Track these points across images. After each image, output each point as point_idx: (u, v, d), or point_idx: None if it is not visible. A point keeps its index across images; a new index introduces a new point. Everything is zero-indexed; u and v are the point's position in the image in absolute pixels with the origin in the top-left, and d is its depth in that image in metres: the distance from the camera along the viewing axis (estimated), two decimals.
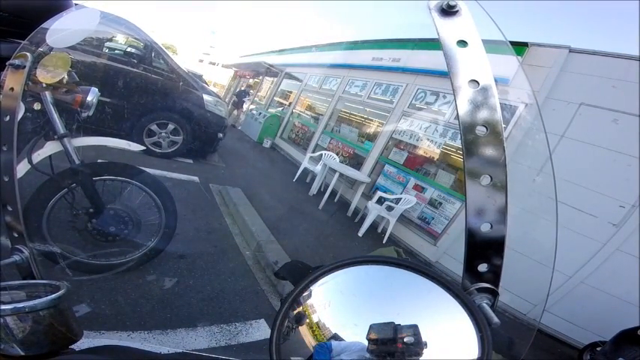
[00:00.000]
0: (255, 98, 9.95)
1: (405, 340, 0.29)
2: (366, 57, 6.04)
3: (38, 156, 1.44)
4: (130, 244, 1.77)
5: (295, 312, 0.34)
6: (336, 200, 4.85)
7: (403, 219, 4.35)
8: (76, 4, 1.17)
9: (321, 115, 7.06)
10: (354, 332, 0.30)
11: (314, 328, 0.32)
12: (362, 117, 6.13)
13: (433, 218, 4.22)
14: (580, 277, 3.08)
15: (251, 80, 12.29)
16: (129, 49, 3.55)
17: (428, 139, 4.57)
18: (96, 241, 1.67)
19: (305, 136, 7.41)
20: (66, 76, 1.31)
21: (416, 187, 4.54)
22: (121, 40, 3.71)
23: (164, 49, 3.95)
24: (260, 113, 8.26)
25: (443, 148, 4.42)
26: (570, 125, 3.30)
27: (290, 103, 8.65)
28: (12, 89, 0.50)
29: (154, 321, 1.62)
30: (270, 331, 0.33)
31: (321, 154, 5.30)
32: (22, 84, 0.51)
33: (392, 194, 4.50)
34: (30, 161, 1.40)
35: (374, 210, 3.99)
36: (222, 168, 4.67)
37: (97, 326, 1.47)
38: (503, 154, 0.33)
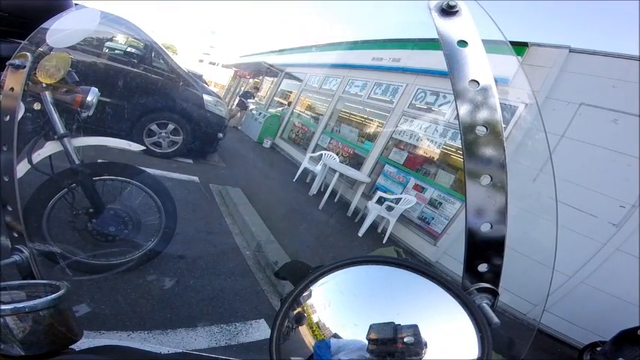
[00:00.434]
0: (255, 98, 9.94)
1: (405, 340, 0.29)
2: (366, 57, 6.04)
3: (38, 156, 1.44)
4: (130, 244, 1.77)
5: (295, 312, 0.34)
6: (336, 200, 4.85)
7: (403, 219, 4.35)
8: (76, 4, 1.17)
9: (321, 115, 7.06)
10: (354, 332, 0.30)
11: (314, 328, 0.32)
12: (362, 117, 6.13)
13: (433, 218, 4.22)
14: (580, 277, 3.08)
15: (251, 80, 12.29)
16: (129, 49, 3.55)
17: (428, 139, 4.58)
18: (96, 241, 1.67)
19: (305, 136, 7.42)
20: (66, 76, 1.31)
21: (416, 187, 4.54)
22: (121, 40, 3.70)
23: (164, 49, 3.95)
24: (260, 113, 8.26)
25: (443, 148, 4.42)
26: (570, 125, 3.30)
27: (290, 103, 8.66)
28: (12, 89, 0.50)
29: (154, 321, 1.62)
30: (270, 331, 0.33)
31: (321, 154, 5.30)
32: (22, 84, 0.51)
33: (392, 194, 4.50)
34: (30, 161, 1.40)
35: (374, 210, 3.99)
36: (222, 168, 4.67)
37: (97, 326, 1.47)
38: (503, 154, 0.33)
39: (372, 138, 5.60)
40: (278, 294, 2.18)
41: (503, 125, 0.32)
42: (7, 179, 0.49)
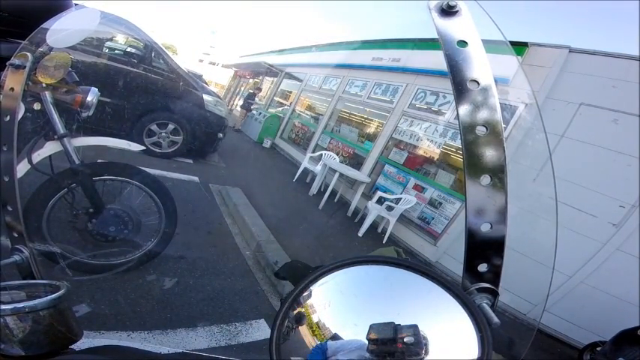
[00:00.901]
0: (256, 98, 9.94)
1: (405, 340, 0.29)
2: (366, 57, 6.05)
3: (38, 156, 1.44)
4: (130, 244, 1.77)
5: (295, 312, 0.34)
6: (336, 200, 4.85)
7: (403, 219, 4.35)
8: (76, 4, 1.17)
9: (321, 115, 7.06)
10: (354, 332, 0.30)
11: (314, 328, 0.32)
12: (362, 117, 6.13)
13: (433, 218, 4.22)
14: (580, 277, 3.08)
15: (251, 80, 12.28)
16: (129, 49, 3.55)
17: (428, 139, 4.58)
18: (96, 241, 1.67)
19: (305, 136, 7.42)
20: (66, 76, 1.31)
21: (416, 187, 4.54)
22: (121, 40, 3.71)
23: (164, 49, 3.95)
24: (260, 113, 8.26)
25: (443, 148, 4.42)
26: (570, 125, 3.30)
27: (290, 103, 8.66)
28: (12, 89, 0.50)
29: (154, 321, 1.62)
30: (270, 331, 0.33)
31: (321, 154, 5.30)
32: (22, 84, 0.51)
33: (392, 194, 4.50)
34: (30, 161, 1.40)
35: (374, 210, 3.99)
36: (222, 168, 4.67)
37: (97, 326, 1.47)
38: (504, 154, 0.33)
39: (372, 138, 5.60)
40: (278, 294, 2.18)
41: (503, 125, 0.32)
42: (7, 179, 0.49)
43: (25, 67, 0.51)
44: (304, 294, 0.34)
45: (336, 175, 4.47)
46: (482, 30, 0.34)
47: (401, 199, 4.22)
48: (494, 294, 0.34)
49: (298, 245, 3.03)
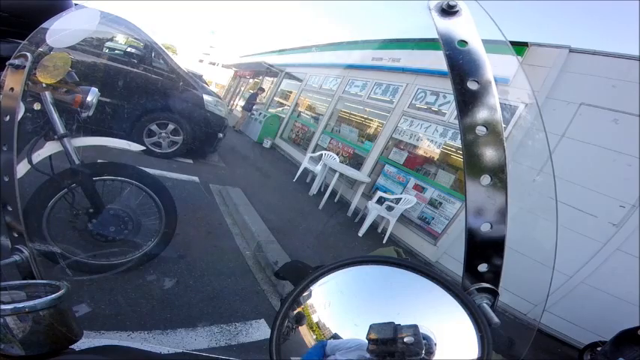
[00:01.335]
0: (257, 99, 9.93)
1: (405, 340, 0.29)
2: (366, 57, 6.04)
3: (38, 156, 1.44)
4: (130, 244, 1.77)
5: (295, 312, 0.34)
6: (336, 200, 4.85)
7: (403, 219, 4.35)
8: (76, 4, 1.17)
9: (321, 115, 7.06)
10: (354, 332, 0.30)
11: (314, 328, 0.32)
12: (362, 117, 6.13)
13: (433, 218, 4.22)
14: (580, 277, 3.08)
15: (251, 81, 12.28)
16: (129, 49, 3.55)
17: (428, 139, 4.58)
18: (96, 241, 1.67)
19: (305, 136, 7.41)
20: (66, 76, 1.31)
21: (416, 187, 4.54)
22: (121, 40, 3.70)
23: (164, 49, 3.95)
24: (260, 113, 8.26)
25: (443, 148, 4.42)
26: (570, 125, 3.30)
27: (290, 103, 8.65)
28: (12, 89, 0.50)
29: (154, 321, 1.62)
30: (270, 331, 0.33)
31: (321, 154, 5.30)
32: (22, 84, 0.51)
33: (392, 194, 4.50)
34: (30, 161, 1.40)
35: (374, 210, 3.99)
36: (222, 168, 4.67)
37: (97, 326, 1.47)
38: (504, 154, 0.33)
39: (372, 138, 5.60)
40: (278, 294, 2.18)
41: (503, 125, 0.32)
42: (7, 179, 0.49)
43: (24, 67, 0.51)
44: (304, 294, 0.34)
45: (336, 175, 4.47)
46: (483, 30, 0.34)
47: (401, 199, 4.22)
48: (494, 294, 0.34)
49: (298, 245, 3.03)
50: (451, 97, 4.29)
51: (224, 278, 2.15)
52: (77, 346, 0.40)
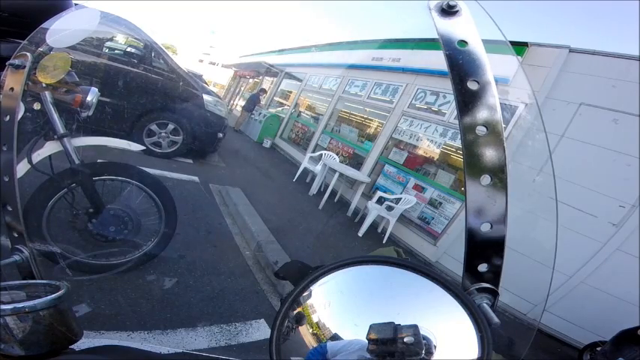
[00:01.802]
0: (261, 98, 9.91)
1: (405, 340, 0.29)
2: (366, 57, 6.04)
3: (38, 156, 1.44)
4: (130, 244, 1.77)
5: (295, 312, 0.34)
6: (336, 200, 4.85)
7: (403, 219, 4.35)
8: (76, 4, 1.17)
9: (321, 115, 7.06)
10: (354, 332, 0.30)
11: (314, 328, 0.32)
12: (362, 117, 6.13)
13: (433, 218, 4.22)
14: (580, 277, 3.08)
15: (251, 80, 12.28)
16: (129, 49, 3.55)
17: (428, 139, 4.58)
18: (96, 241, 1.67)
19: (305, 136, 7.42)
20: (66, 76, 1.31)
21: (416, 187, 4.54)
22: (121, 40, 3.70)
23: (164, 49, 3.95)
24: (260, 113, 8.26)
25: (443, 148, 4.42)
26: (570, 125, 3.30)
27: (290, 103, 8.65)
28: (12, 89, 0.50)
29: (154, 321, 1.62)
30: (270, 331, 0.33)
31: (321, 154, 5.30)
32: (22, 84, 0.51)
33: (392, 194, 4.50)
34: (30, 161, 1.40)
35: (374, 210, 3.99)
36: (222, 168, 4.67)
37: (97, 326, 1.47)
38: (504, 154, 0.33)
39: (372, 138, 5.60)
40: (278, 294, 2.18)
41: (503, 125, 0.32)
42: (7, 179, 0.49)
43: (24, 67, 0.51)
44: (304, 294, 0.34)
45: (336, 175, 4.47)
46: (483, 30, 0.34)
47: (401, 199, 4.22)
48: (494, 294, 0.34)
49: (298, 245, 3.03)
50: (451, 97, 4.30)
51: (224, 278, 2.15)
52: (77, 346, 0.40)
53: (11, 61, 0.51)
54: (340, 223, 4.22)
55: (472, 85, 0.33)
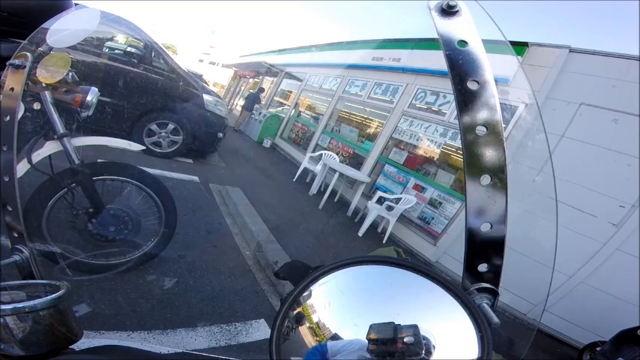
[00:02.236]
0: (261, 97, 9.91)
1: (405, 340, 0.29)
2: (366, 57, 6.05)
3: (38, 156, 1.44)
4: (130, 244, 1.77)
5: (295, 312, 0.34)
6: (336, 200, 4.85)
7: (403, 219, 4.35)
8: (76, 4, 1.17)
9: (321, 114, 7.06)
10: (354, 332, 0.30)
11: (314, 328, 0.32)
12: (362, 117, 6.13)
13: (433, 218, 4.22)
14: (580, 277, 3.08)
15: (251, 80, 12.28)
16: (129, 49, 3.55)
17: (428, 139, 4.58)
18: (96, 241, 1.67)
19: (305, 136, 7.42)
20: (66, 76, 1.31)
21: (416, 187, 4.54)
22: (121, 40, 3.70)
23: (164, 49, 3.95)
24: (260, 113, 8.26)
25: (443, 148, 4.42)
26: (570, 125, 3.30)
27: (290, 103, 8.65)
28: (12, 89, 0.50)
29: (154, 321, 1.62)
30: (270, 331, 0.33)
31: (321, 154, 5.30)
32: (22, 84, 0.51)
33: (392, 194, 4.50)
34: (30, 161, 1.40)
35: (374, 210, 3.99)
36: (222, 168, 4.67)
37: (97, 326, 1.47)
38: (504, 154, 0.33)
39: (372, 138, 5.60)
40: (278, 294, 2.18)
41: (503, 125, 0.32)
42: (7, 179, 0.49)
43: (25, 67, 0.51)
44: (304, 294, 0.34)
45: (336, 175, 4.47)
46: (483, 30, 0.34)
47: (401, 199, 4.22)
48: (495, 294, 0.34)
49: (298, 245, 3.03)
50: (451, 97, 4.29)
51: (224, 278, 2.15)
52: (77, 346, 0.40)
53: (11, 61, 0.51)
54: (340, 223, 4.22)
55: (472, 85, 0.33)
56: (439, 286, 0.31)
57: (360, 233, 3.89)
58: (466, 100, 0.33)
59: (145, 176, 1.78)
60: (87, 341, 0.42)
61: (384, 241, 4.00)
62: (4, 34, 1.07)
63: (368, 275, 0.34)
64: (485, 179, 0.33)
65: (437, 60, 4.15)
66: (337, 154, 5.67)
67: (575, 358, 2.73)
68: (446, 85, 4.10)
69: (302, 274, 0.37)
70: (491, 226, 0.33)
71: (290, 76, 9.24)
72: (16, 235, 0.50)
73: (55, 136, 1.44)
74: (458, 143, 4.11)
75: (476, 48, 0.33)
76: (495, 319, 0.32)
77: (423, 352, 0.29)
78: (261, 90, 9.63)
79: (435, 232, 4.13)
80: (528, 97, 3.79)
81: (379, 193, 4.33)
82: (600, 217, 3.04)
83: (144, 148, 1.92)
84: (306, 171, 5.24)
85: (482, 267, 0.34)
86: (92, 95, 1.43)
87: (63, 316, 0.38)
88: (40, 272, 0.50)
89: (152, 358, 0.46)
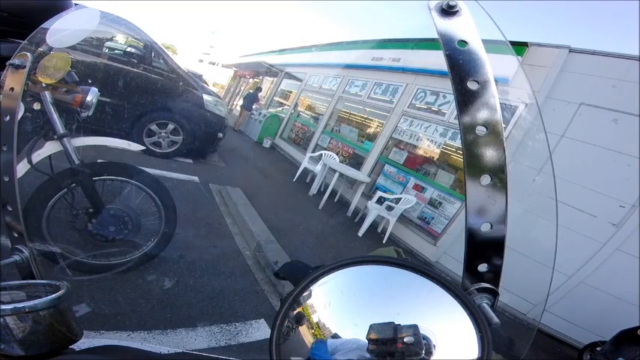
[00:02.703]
0: (259, 96, 9.90)
1: (405, 340, 0.29)
2: (366, 57, 6.05)
3: (38, 156, 1.44)
4: (130, 244, 1.77)
5: (295, 312, 0.34)
6: (336, 200, 4.85)
7: (403, 219, 4.35)
8: (76, 4, 1.17)
9: (321, 114, 7.06)
10: (354, 332, 0.30)
11: (314, 328, 0.32)
12: (362, 117, 6.13)
13: (433, 218, 4.22)
14: (580, 277, 3.08)
15: (251, 80, 12.28)
16: (129, 49, 3.55)
17: (428, 139, 4.58)
18: (96, 241, 1.67)
19: (305, 136, 7.42)
20: (66, 76, 1.31)
21: (416, 187, 4.54)
22: (121, 40, 3.70)
23: (164, 49, 3.95)
24: (260, 113, 8.26)
25: (443, 148, 4.42)
26: (570, 125, 3.31)
27: (290, 103, 8.66)
28: (12, 89, 0.50)
29: (154, 321, 1.62)
30: (270, 331, 0.33)
31: (321, 154, 5.30)
32: (22, 84, 0.51)
33: (392, 194, 4.50)
34: (30, 161, 1.40)
35: (374, 210, 3.99)
36: (222, 168, 4.67)
37: (97, 326, 1.47)
38: (504, 154, 0.33)
39: (372, 138, 5.60)
40: (278, 294, 2.18)
41: (503, 125, 0.32)
42: (7, 179, 0.49)
43: (25, 67, 0.51)
44: (304, 294, 0.34)
45: (336, 175, 4.47)
46: (483, 30, 0.34)
47: (401, 198, 4.22)
48: (495, 294, 0.34)
49: (298, 245, 3.03)
50: (451, 97, 4.29)
51: (224, 278, 2.15)
52: (77, 346, 0.40)
53: (11, 61, 0.51)
54: (340, 223, 4.22)
55: (472, 85, 0.33)
56: (439, 286, 0.31)
57: (360, 233, 3.89)
58: (466, 100, 0.33)
59: (144, 176, 1.78)
60: (87, 341, 0.42)
61: (384, 241, 4.00)
62: (4, 34, 1.07)
63: (368, 275, 0.34)
64: (485, 179, 0.33)
65: (437, 60, 4.15)
66: (337, 154, 5.67)
67: (575, 358, 2.73)
68: (446, 85, 4.10)
69: (302, 274, 0.37)
70: (491, 226, 0.33)
71: (290, 76, 9.24)
72: (16, 235, 0.50)
73: (55, 136, 1.44)
74: (458, 143, 4.11)
75: (476, 48, 0.33)
76: (495, 319, 0.32)
77: (423, 352, 0.29)
78: (259, 89, 9.63)
79: (435, 232, 4.13)
80: (528, 97, 3.79)
81: (379, 193, 4.33)
82: (600, 217, 3.04)
83: (144, 148, 1.92)
84: (306, 171, 5.24)
85: (482, 267, 0.34)
86: (92, 95, 1.43)
87: (63, 316, 0.38)
88: (40, 272, 0.50)
89: (152, 358, 0.46)
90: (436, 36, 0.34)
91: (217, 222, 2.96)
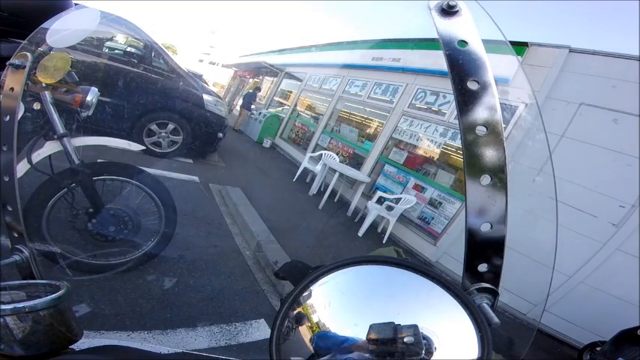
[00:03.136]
0: (257, 97, 9.91)
1: (405, 340, 0.29)
2: (366, 57, 6.04)
3: (38, 156, 1.44)
4: (130, 244, 1.77)
5: (295, 312, 0.34)
6: (336, 200, 4.85)
7: (403, 219, 4.35)
8: (76, 4, 1.17)
9: (321, 114, 7.06)
10: (354, 332, 0.30)
11: (314, 329, 0.32)
12: (362, 117, 6.13)
13: (433, 218, 4.22)
14: (580, 277, 3.08)
15: (251, 80, 12.28)
16: (129, 49, 3.55)
17: (428, 139, 4.58)
18: (96, 241, 1.67)
19: (305, 136, 7.42)
20: (66, 76, 1.31)
21: (416, 187, 4.54)
22: (121, 40, 3.70)
23: (164, 49, 3.95)
24: (260, 113, 8.26)
25: (443, 148, 4.42)
26: (570, 125, 3.31)
27: (290, 103, 8.66)
28: (12, 89, 0.50)
29: (154, 321, 1.62)
30: (270, 331, 0.33)
31: (321, 154, 5.30)
32: (22, 84, 0.51)
33: (392, 194, 4.50)
34: (30, 161, 1.40)
35: (374, 210, 3.99)
36: (222, 168, 4.67)
37: (97, 326, 1.47)
38: (504, 154, 0.33)
39: (372, 138, 5.61)
40: (278, 294, 2.18)
41: (503, 125, 0.32)
42: (7, 179, 0.49)
43: (25, 67, 0.51)
44: (304, 294, 0.34)
45: (336, 175, 4.47)
46: (483, 30, 0.34)
47: (401, 198, 4.22)
48: (495, 294, 0.34)
49: (298, 245, 3.03)
50: (451, 97, 4.29)
51: (224, 278, 2.15)
52: (77, 346, 0.40)
53: (11, 61, 0.51)
54: (340, 223, 4.22)
55: (472, 85, 0.33)
56: (439, 286, 0.31)
57: (360, 233, 3.89)
58: (466, 100, 0.33)
59: (144, 176, 1.78)
60: (87, 341, 0.42)
61: (384, 241, 4.00)
62: (4, 34, 1.07)
63: (368, 275, 0.34)
64: (486, 179, 0.33)
65: (437, 60, 4.15)
66: (337, 154, 5.67)
67: (575, 358, 2.73)
68: (446, 85, 4.10)
69: (302, 274, 0.37)
70: (491, 226, 0.33)
71: (290, 76, 9.24)
72: (16, 235, 0.50)
73: (55, 136, 1.44)
74: (458, 143, 4.11)
75: (476, 48, 0.33)
76: (495, 319, 0.32)
77: (423, 352, 0.29)
78: (258, 89, 9.62)
79: (435, 232, 4.13)
80: (528, 97, 3.78)
81: (379, 193, 4.33)
82: (600, 217, 3.04)
83: (144, 148, 1.92)
84: (306, 171, 5.24)
85: (482, 267, 0.34)
86: (92, 95, 1.43)
87: (63, 316, 0.38)
88: (40, 272, 0.50)
89: (152, 358, 0.45)
90: (436, 36, 0.34)
91: (217, 222, 2.96)
